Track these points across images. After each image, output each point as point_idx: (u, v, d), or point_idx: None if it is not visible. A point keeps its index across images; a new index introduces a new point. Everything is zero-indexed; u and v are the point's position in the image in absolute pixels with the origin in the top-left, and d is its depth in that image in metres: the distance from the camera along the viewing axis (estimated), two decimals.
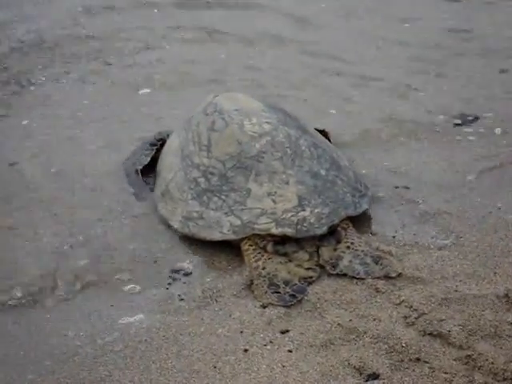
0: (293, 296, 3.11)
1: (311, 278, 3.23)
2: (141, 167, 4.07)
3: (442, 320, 2.93)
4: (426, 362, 2.74)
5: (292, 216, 3.35)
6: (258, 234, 3.36)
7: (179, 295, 3.18)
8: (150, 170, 4.05)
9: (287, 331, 2.94)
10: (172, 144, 3.94)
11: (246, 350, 2.84)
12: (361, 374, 2.71)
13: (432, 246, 3.46)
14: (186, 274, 3.33)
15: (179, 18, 7.07)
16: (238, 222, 3.39)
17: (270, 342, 2.88)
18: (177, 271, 3.35)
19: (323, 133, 4.20)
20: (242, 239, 3.39)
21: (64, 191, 4.01)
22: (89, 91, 5.42)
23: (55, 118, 4.94)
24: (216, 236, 3.43)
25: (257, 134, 3.61)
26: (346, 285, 3.20)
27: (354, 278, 3.23)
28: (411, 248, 3.45)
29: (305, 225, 3.34)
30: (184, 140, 3.81)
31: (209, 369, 2.76)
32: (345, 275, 3.25)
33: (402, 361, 2.75)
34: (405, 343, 2.82)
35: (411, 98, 5.26)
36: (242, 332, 2.95)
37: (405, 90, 5.40)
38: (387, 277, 3.22)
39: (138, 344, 2.89)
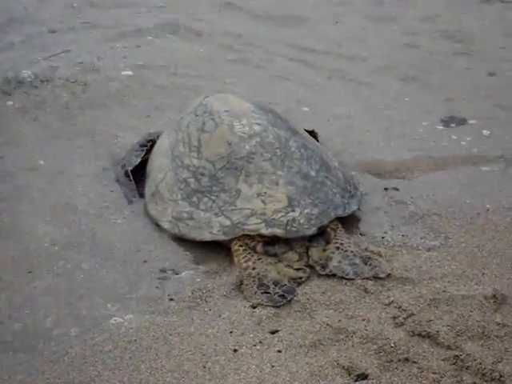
0: (282, 296, 3.12)
1: (301, 278, 3.24)
2: (131, 168, 4.06)
3: (430, 320, 2.94)
4: (415, 363, 2.75)
5: (282, 217, 3.37)
6: (248, 235, 3.37)
7: (169, 295, 3.19)
8: (140, 170, 4.05)
9: (277, 331, 2.95)
10: (162, 145, 3.94)
11: (235, 350, 2.85)
12: (350, 374, 2.72)
13: (421, 247, 3.48)
14: (176, 275, 3.33)
15: None
16: (228, 223, 3.40)
17: (260, 342, 2.89)
18: (167, 271, 3.35)
19: (312, 133, 4.21)
20: (232, 240, 3.40)
21: (55, 191, 4.01)
22: None
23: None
24: (206, 236, 3.43)
25: (247, 135, 3.62)
26: (335, 285, 3.21)
27: (343, 278, 3.24)
28: (400, 249, 3.46)
29: (294, 225, 3.36)
30: (174, 141, 3.81)
31: (198, 369, 2.76)
32: (334, 276, 3.26)
33: (391, 361, 2.77)
34: (393, 343, 2.83)
35: (399, 100, 5.29)
36: (231, 332, 2.95)
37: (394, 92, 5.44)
38: (376, 277, 3.23)
39: (127, 344, 2.89)
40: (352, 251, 3.37)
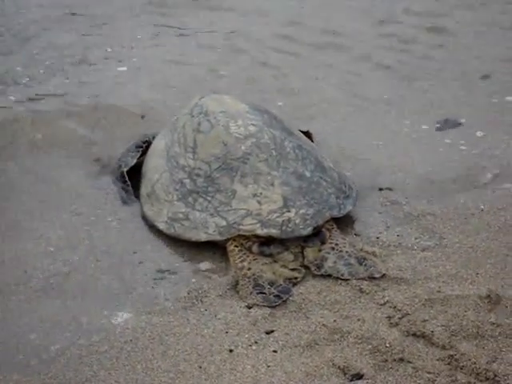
0: (278, 297, 3.13)
1: (296, 278, 3.25)
2: (126, 169, 4.07)
3: (425, 320, 2.96)
4: (410, 362, 2.76)
5: (277, 217, 3.38)
6: (244, 235, 3.38)
7: (165, 296, 3.19)
8: (135, 171, 4.05)
9: (272, 331, 2.95)
10: (158, 145, 3.94)
11: (231, 351, 2.86)
12: (345, 374, 2.73)
13: (415, 247, 3.49)
14: (172, 275, 3.34)
15: None
16: (224, 223, 3.41)
17: (255, 342, 2.90)
18: (162, 272, 3.36)
19: (307, 134, 4.23)
20: (228, 240, 3.41)
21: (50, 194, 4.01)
22: None
23: None
24: (201, 237, 3.44)
25: (242, 135, 3.63)
26: (330, 285, 3.22)
27: (338, 278, 3.25)
28: (395, 249, 3.47)
29: (290, 226, 3.37)
30: (170, 141, 3.81)
31: (194, 369, 2.77)
32: (329, 276, 3.27)
33: (386, 361, 2.78)
34: (388, 343, 2.84)
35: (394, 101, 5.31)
36: (227, 332, 2.96)
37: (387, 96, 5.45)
38: (371, 278, 3.24)
39: (123, 344, 2.90)
40: (347, 251, 3.38)
